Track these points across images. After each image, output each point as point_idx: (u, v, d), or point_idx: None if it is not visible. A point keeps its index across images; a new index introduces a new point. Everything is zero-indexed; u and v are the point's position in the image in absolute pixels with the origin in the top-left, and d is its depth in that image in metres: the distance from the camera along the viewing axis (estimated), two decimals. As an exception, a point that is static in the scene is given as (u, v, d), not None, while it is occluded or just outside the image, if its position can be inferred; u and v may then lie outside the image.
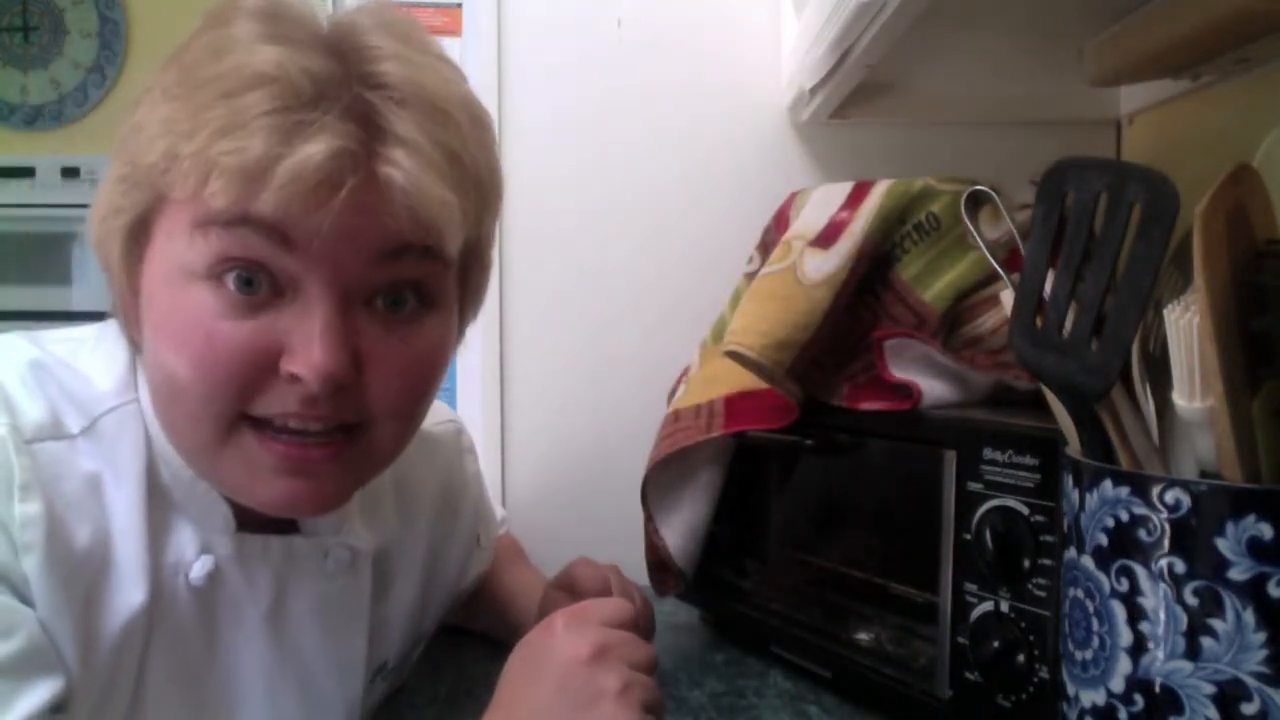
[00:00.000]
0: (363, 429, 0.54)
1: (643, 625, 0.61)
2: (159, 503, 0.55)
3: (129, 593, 0.53)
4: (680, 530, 0.83)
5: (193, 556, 0.56)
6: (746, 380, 0.78)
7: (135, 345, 0.56)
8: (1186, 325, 0.44)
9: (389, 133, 0.49)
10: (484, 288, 0.63)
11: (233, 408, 0.51)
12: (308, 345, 0.49)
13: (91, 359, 0.57)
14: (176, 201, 0.50)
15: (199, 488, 0.56)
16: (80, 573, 0.51)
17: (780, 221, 0.86)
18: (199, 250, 0.49)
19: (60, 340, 0.58)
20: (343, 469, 0.54)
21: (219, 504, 0.57)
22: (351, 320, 0.51)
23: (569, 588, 0.78)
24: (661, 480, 0.83)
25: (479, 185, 0.54)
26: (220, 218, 0.48)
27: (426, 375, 0.56)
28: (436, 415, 0.61)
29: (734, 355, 0.78)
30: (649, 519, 0.84)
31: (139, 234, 0.52)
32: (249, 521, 0.58)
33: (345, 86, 0.49)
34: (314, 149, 0.46)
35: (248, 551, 0.58)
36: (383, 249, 0.51)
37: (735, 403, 0.78)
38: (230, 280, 0.49)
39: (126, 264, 0.53)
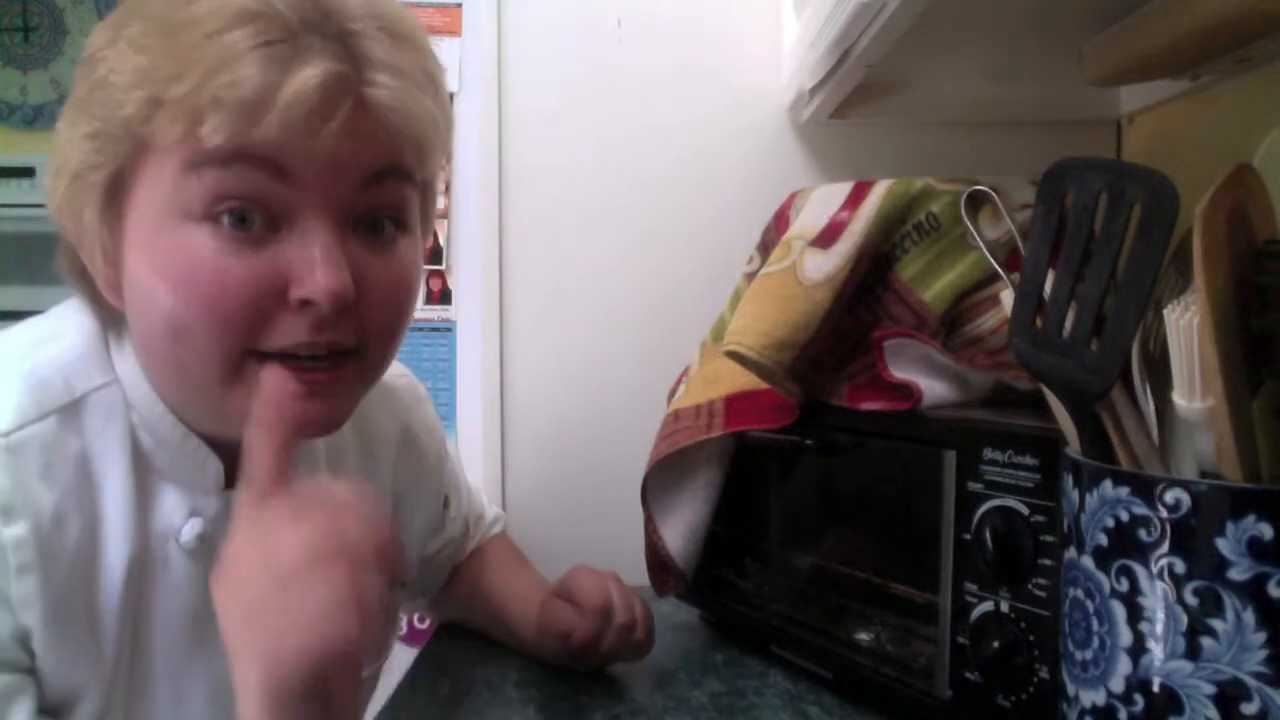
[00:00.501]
0: (358, 353, 0.55)
1: (643, 631, 0.61)
2: (143, 472, 0.56)
3: (121, 568, 0.54)
4: (680, 530, 0.83)
5: (181, 521, 0.57)
6: (746, 380, 0.78)
7: (106, 314, 0.57)
8: (1186, 325, 0.44)
9: (370, 59, 0.51)
10: (435, 215, 0.66)
11: (242, 344, 0.52)
12: (313, 270, 0.51)
13: (61, 340, 0.57)
14: (160, 149, 0.50)
15: (188, 446, 0.57)
16: (76, 569, 0.52)
17: (780, 221, 0.86)
18: (193, 192, 0.50)
19: (21, 331, 0.58)
20: (347, 390, 0.56)
21: (210, 460, 0.58)
22: (343, 246, 0.53)
23: (569, 596, 0.79)
24: (661, 480, 0.83)
25: (447, 106, 0.58)
26: (215, 156, 0.49)
27: (408, 295, 0.58)
28: (392, 369, 0.63)
29: (734, 355, 0.78)
30: (649, 519, 0.84)
31: (117, 188, 0.52)
32: (232, 478, 0.59)
33: (324, 17, 0.50)
34: (310, 73, 0.48)
35: (234, 508, 0.59)
36: (370, 172, 0.53)
37: (735, 403, 0.77)
38: (225, 219, 0.50)
39: (105, 220, 0.53)
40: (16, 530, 0.49)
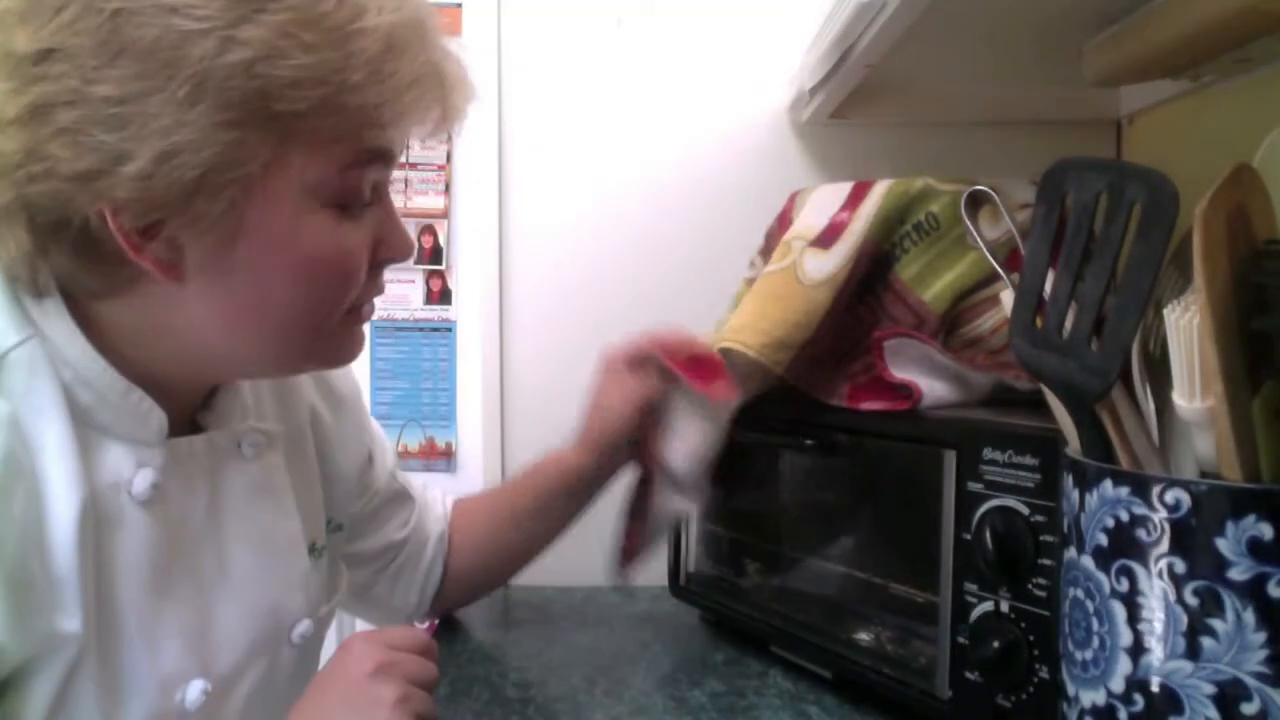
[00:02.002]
0: None
1: (431, 655, 0.62)
2: (82, 428, 0.54)
3: (73, 527, 0.52)
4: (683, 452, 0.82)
5: (129, 473, 0.56)
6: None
7: (26, 274, 0.54)
8: (1186, 325, 0.44)
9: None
10: None
11: (347, 307, 0.58)
12: (396, 233, 0.59)
13: None
14: (309, 143, 0.52)
15: (131, 399, 0.56)
16: (26, 537, 0.50)
17: (783, 224, 0.85)
18: (336, 185, 0.53)
19: None
20: None
21: (154, 411, 0.57)
22: None
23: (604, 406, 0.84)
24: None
25: None
26: (372, 155, 0.54)
27: None
28: None
29: (731, 352, 0.78)
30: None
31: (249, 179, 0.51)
32: (172, 426, 0.59)
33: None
34: (461, 92, 0.58)
35: (179, 455, 0.59)
36: None
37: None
38: (349, 204, 0.55)
39: (225, 204, 0.51)
40: None
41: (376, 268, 0.59)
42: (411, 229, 1.15)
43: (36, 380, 0.53)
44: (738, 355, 0.76)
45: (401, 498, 0.86)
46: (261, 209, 0.52)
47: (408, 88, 0.52)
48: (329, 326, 0.57)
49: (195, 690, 0.57)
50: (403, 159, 1.15)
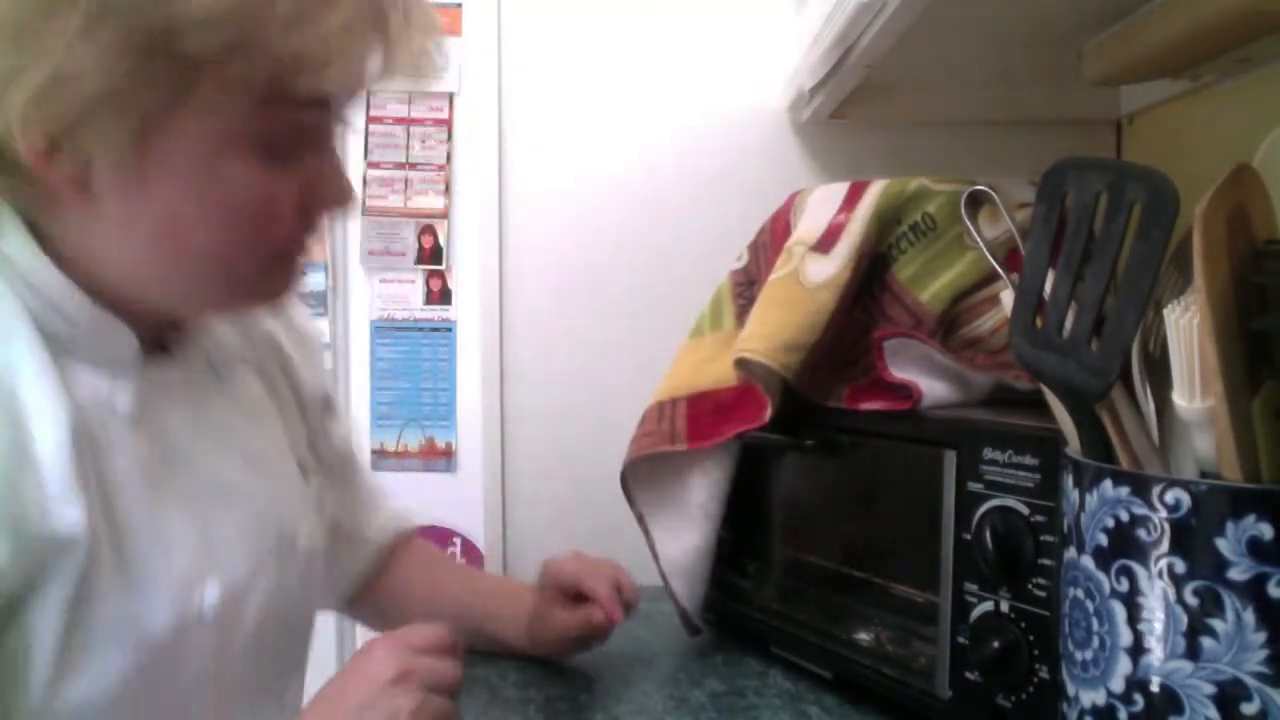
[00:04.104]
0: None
1: (455, 655, 0.61)
2: (56, 354, 0.54)
3: (61, 450, 0.52)
4: (678, 551, 0.85)
5: (108, 392, 0.56)
6: (711, 378, 0.81)
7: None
8: (1186, 325, 0.44)
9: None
10: None
11: (275, 253, 0.57)
12: (336, 182, 0.58)
13: None
14: (225, 83, 0.50)
15: (99, 320, 0.56)
16: (12, 469, 0.50)
17: (778, 223, 0.85)
18: (257, 127, 0.52)
19: None
20: None
21: (123, 331, 0.57)
22: None
23: (566, 590, 0.78)
24: (655, 492, 0.86)
25: None
26: (298, 101, 0.52)
27: None
28: None
29: (744, 362, 0.79)
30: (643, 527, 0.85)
31: (159, 114, 0.51)
32: (144, 352, 0.59)
33: None
34: (405, 42, 0.53)
35: (154, 379, 0.60)
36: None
37: (697, 404, 0.82)
38: (274, 149, 0.53)
39: (132, 140, 0.51)
40: None
41: (309, 214, 0.57)
42: (411, 229, 1.16)
43: (3, 305, 0.53)
44: (755, 365, 0.77)
45: (347, 473, 0.82)
46: (171, 145, 0.51)
47: (338, 32, 0.50)
48: (248, 269, 0.57)
49: (212, 592, 0.57)
50: (402, 159, 1.15)
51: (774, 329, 0.77)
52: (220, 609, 0.58)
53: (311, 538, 0.67)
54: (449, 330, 1.16)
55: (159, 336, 0.61)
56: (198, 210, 0.53)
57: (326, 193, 0.57)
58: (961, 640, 0.63)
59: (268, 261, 0.57)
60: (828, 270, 0.76)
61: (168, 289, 0.57)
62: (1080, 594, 0.48)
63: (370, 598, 0.84)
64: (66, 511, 0.51)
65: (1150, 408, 0.50)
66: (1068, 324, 0.49)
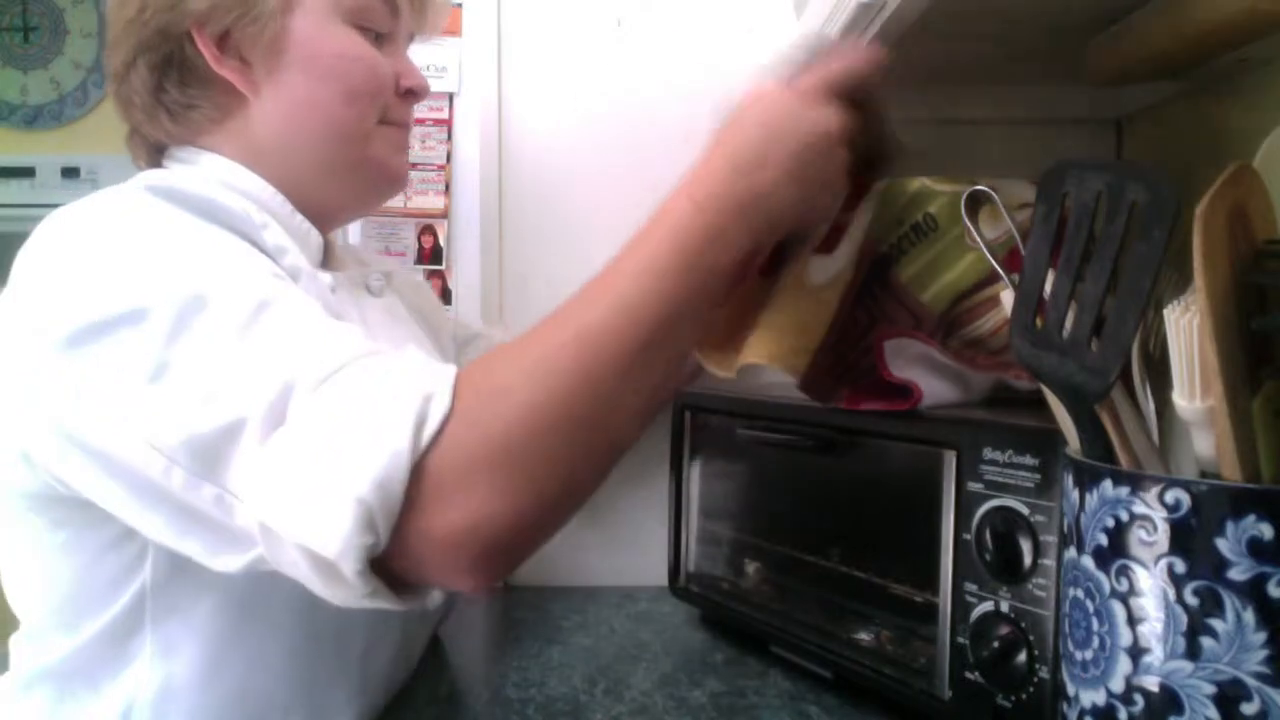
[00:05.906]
0: None
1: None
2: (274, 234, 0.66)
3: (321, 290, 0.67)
4: None
5: (311, 269, 0.68)
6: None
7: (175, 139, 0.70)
8: (1186, 325, 0.44)
9: None
10: None
11: (379, 115, 0.72)
12: (413, 69, 0.75)
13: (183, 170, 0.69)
14: None
15: (295, 220, 0.69)
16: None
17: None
18: (352, 4, 0.69)
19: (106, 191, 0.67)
20: None
21: (312, 231, 0.71)
22: None
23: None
24: None
25: None
26: None
27: None
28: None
29: (751, 368, 0.78)
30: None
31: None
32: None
33: None
34: None
35: (334, 279, 0.72)
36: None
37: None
38: (363, 29, 0.70)
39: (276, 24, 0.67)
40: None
41: (403, 96, 0.73)
42: (411, 229, 1.16)
43: (236, 191, 0.66)
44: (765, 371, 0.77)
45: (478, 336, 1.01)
46: (300, 20, 0.67)
47: None
48: (367, 127, 0.70)
49: None
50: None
51: (779, 331, 0.77)
52: None
53: None
54: (449, 330, 1.16)
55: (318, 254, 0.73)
56: (324, 73, 0.68)
57: (412, 76, 0.73)
58: (961, 640, 0.63)
59: (384, 131, 0.72)
60: (831, 269, 0.76)
61: (316, 175, 0.70)
62: (1080, 594, 0.48)
63: None
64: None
65: (1150, 408, 0.50)
66: (1068, 324, 0.49)
